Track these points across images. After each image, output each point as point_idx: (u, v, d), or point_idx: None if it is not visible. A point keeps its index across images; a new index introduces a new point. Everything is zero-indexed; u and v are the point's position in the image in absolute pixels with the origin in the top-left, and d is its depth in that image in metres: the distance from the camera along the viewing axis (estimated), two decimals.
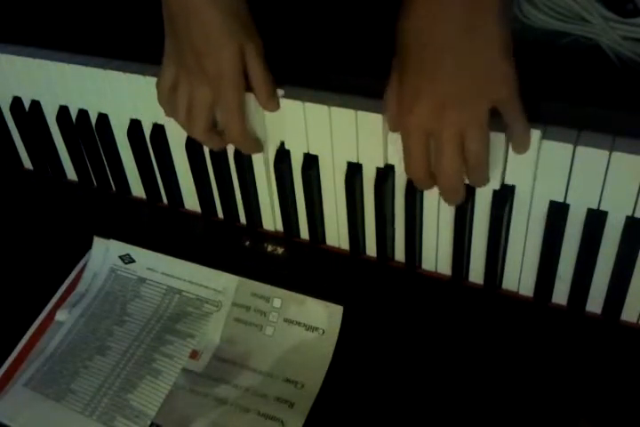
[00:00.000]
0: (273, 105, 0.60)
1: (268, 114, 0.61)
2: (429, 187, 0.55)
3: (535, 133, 0.52)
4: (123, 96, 0.67)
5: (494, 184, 0.57)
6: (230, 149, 0.66)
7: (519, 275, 0.61)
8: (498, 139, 0.53)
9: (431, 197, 0.60)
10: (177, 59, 0.59)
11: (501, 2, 0.48)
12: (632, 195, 0.53)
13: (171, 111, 0.62)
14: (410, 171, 0.54)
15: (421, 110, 0.50)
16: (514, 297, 0.62)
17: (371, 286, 0.65)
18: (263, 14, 0.58)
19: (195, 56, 0.57)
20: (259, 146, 0.64)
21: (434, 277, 0.65)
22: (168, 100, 0.61)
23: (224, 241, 0.71)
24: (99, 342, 0.64)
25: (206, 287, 0.66)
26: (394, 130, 0.54)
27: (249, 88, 0.59)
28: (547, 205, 0.56)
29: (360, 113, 0.57)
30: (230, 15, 0.56)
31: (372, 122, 0.57)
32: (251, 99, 0.60)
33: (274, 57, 0.59)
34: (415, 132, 0.51)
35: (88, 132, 0.73)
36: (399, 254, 0.66)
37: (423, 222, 0.62)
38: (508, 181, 0.56)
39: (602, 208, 0.54)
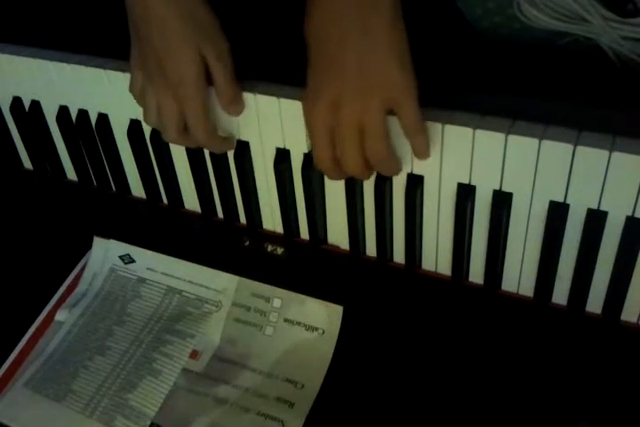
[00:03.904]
0: (235, 109, 0.60)
1: (264, 114, 0.61)
2: (340, 177, 0.57)
3: (533, 142, 0.53)
4: (123, 96, 0.67)
5: (494, 184, 0.57)
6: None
7: (519, 275, 0.61)
8: (496, 139, 0.53)
9: (431, 197, 0.60)
10: (142, 64, 0.59)
11: (394, 10, 0.50)
12: (632, 195, 0.53)
13: (143, 115, 0.62)
14: (316, 162, 0.56)
15: (320, 107, 0.52)
16: (514, 297, 0.63)
17: (371, 286, 0.65)
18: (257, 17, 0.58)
19: (156, 61, 0.57)
20: (229, 144, 0.64)
21: (434, 278, 0.65)
22: (140, 104, 0.61)
23: (224, 241, 0.71)
24: (99, 342, 0.64)
25: (206, 287, 0.66)
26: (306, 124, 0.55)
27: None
28: (547, 205, 0.56)
29: None
30: (189, 20, 0.56)
31: None
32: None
33: (271, 57, 0.59)
34: (317, 127, 0.53)
35: (88, 132, 0.73)
36: (399, 255, 0.66)
37: (423, 222, 0.62)
38: (508, 181, 0.56)
39: (602, 208, 0.54)
